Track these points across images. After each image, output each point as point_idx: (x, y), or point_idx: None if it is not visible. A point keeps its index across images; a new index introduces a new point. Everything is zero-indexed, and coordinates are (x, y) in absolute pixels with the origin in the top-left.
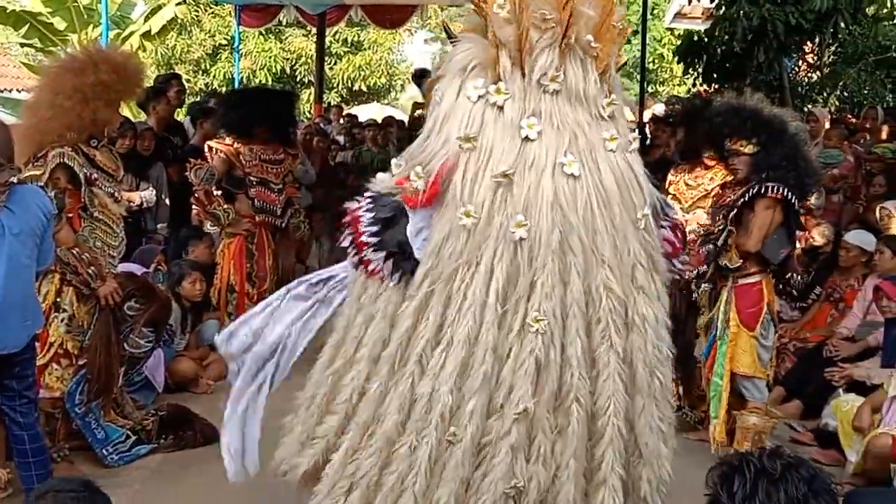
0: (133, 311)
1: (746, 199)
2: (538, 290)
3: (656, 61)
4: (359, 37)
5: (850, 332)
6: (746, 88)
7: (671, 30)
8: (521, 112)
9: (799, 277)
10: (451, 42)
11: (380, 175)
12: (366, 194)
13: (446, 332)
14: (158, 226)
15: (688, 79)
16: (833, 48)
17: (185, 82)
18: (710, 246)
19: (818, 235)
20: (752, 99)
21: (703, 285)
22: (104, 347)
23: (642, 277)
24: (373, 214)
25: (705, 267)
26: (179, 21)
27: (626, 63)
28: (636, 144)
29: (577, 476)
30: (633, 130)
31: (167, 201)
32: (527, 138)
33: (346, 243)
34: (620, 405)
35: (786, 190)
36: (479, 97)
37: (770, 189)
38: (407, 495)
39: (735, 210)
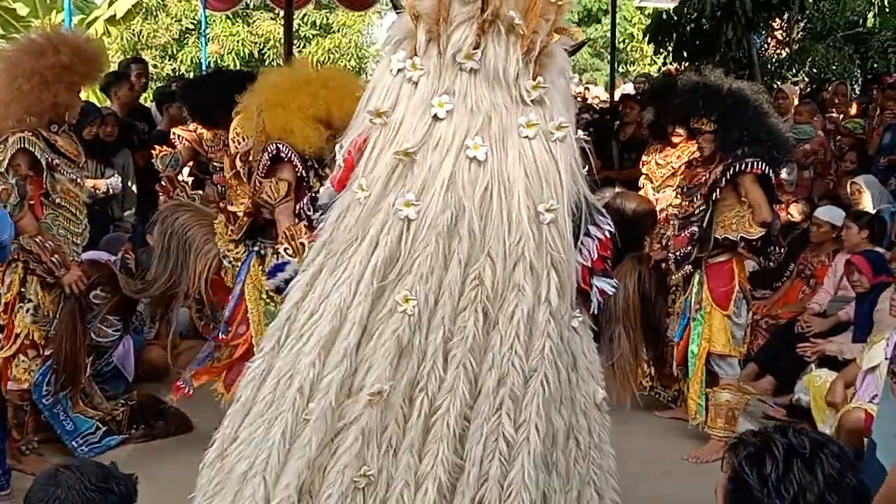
0: (99, 300)
1: (728, 177)
2: (414, 270)
3: (626, 41)
4: (327, 19)
5: (821, 308)
6: (709, 66)
7: (641, 9)
8: (433, 89)
9: (781, 250)
10: (397, 13)
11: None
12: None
13: (322, 302)
14: (125, 213)
15: (658, 58)
16: (801, 24)
17: (152, 68)
18: (695, 228)
19: (796, 212)
20: (713, 76)
21: (685, 266)
22: (69, 337)
23: (522, 275)
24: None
25: (689, 248)
26: (145, 5)
27: (590, 40)
28: (561, 133)
29: (409, 473)
30: (581, 121)
31: (134, 188)
32: (436, 117)
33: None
34: (457, 402)
35: (764, 164)
36: (399, 71)
37: (752, 165)
38: (256, 480)
39: (717, 189)
